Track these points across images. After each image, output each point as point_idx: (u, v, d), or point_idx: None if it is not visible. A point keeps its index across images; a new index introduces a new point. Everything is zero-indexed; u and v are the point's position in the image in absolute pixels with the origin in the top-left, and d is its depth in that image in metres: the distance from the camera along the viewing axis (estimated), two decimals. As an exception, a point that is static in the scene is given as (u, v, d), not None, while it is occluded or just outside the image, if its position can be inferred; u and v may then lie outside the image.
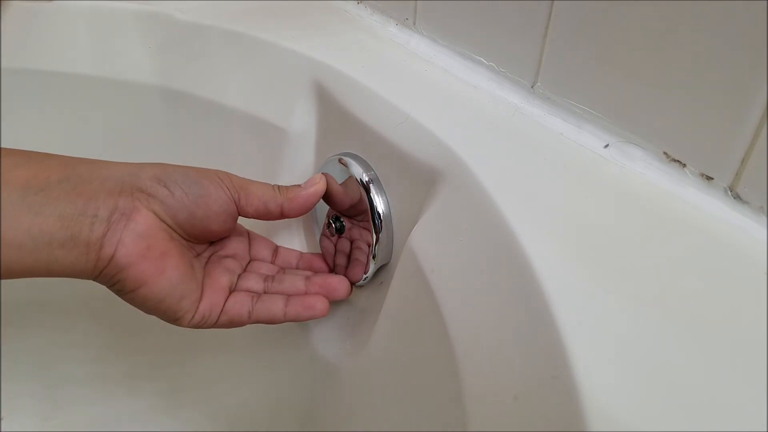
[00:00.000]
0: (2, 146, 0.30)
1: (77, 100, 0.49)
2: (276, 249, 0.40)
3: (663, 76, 0.28)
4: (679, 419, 0.19)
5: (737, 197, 0.27)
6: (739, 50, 0.25)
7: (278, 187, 0.35)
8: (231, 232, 0.37)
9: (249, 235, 0.39)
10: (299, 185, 0.36)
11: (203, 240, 0.36)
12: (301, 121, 0.42)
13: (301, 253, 0.41)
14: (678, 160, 0.29)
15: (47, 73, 0.49)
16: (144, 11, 0.49)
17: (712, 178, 0.27)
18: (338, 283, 0.37)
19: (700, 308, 0.23)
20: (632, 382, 0.20)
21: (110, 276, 0.30)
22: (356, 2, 0.49)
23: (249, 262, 0.38)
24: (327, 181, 0.36)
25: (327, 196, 0.37)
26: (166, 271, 0.31)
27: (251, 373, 0.50)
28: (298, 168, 0.43)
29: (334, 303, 0.41)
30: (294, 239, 0.45)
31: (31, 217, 0.28)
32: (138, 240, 0.30)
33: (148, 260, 0.30)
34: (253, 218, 0.35)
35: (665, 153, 0.29)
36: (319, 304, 0.35)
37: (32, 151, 0.31)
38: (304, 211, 0.36)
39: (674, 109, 0.28)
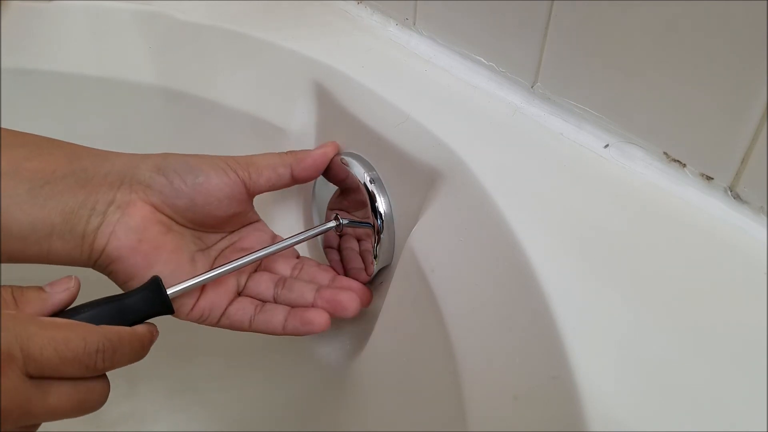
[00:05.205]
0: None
1: (77, 100, 0.49)
2: (297, 256, 0.39)
3: (663, 76, 0.28)
4: (678, 420, 0.19)
5: (737, 197, 0.27)
6: (739, 50, 0.25)
7: (285, 152, 0.36)
8: (244, 218, 0.37)
9: (273, 235, 0.38)
10: (308, 149, 0.36)
11: (212, 227, 0.35)
12: (301, 121, 0.42)
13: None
14: (678, 160, 0.29)
15: (47, 73, 0.49)
16: (144, 11, 0.49)
17: (712, 178, 0.27)
18: (348, 302, 0.34)
19: (700, 308, 0.23)
20: (632, 382, 0.20)
21: (104, 266, 0.31)
22: (356, 2, 0.49)
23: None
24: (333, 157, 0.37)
25: (329, 174, 0.37)
26: (156, 266, 0.31)
27: (251, 373, 0.50)
28: (298, 168, 0.43)
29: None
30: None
31: (36, 210, 0.29)
32: (130, 233, 0.31)
33: (139, 254, 0.31)
34: (267, 191, 0.35)
35: (665, 153, 0.29)
36: (318, 318, 0.34)
37: (41, 139, 0.32)
38: (314, 173, 0.36)
39: (674, 109, 0.28)
